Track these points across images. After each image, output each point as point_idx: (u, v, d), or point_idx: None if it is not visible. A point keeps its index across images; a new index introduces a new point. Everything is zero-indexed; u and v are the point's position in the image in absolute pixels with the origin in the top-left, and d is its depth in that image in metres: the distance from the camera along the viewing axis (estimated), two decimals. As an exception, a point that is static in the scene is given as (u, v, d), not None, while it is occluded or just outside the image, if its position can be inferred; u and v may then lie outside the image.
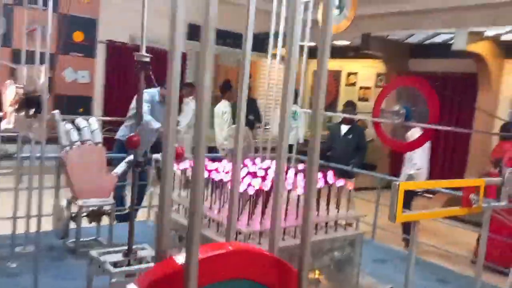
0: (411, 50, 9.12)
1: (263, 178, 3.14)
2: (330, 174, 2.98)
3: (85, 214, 3.57)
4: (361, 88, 10.46)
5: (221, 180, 2.98)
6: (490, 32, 7.18)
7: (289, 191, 2.94)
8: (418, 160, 5.20)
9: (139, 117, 2.78)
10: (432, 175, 5.77)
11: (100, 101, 8.50)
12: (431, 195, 7.50)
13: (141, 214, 4.84)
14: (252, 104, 9.00)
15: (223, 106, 6.80)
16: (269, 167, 3.52)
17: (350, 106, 5.91)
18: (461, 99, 7.87)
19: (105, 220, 3.73)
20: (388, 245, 4.66)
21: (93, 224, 3.70)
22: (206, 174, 3.03)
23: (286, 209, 2.82)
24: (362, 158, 5.65)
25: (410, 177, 5.22)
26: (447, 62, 8.42)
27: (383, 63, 9.28)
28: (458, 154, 8.34)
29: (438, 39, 8.43)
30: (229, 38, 9.81)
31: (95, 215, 3.60)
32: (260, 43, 11.06)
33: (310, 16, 4.52)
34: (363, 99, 10.31)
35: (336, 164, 5.43)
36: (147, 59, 2.40)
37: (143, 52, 2.41)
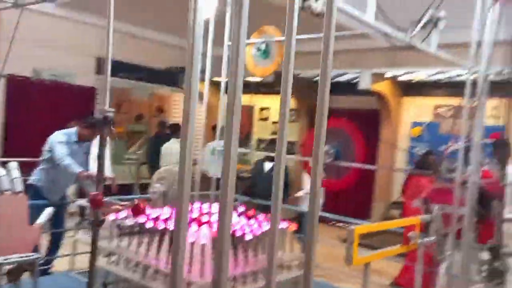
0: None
1: (209, 224, 3.10)
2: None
3: (4, 272, 3.20)
4: (274, 122, 10.83)
5: (165, 229, 2.89)
6: (390, 73, 7.93)
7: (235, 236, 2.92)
8: (307, 185, 5.57)
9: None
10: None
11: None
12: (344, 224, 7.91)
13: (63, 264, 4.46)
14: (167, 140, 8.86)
15: None
16: (208, 211, 3.49)
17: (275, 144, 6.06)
18: (368, 134, 8.50)
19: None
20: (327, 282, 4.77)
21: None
22: (151, 224, 2.92)
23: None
24: (287, 194, 5.81)
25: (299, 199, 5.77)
26: (353, 99, 9.08)
27: (294, 99, 9.74)
28: (365, 184, 8.94)
29: (344, 78, 9.10)
30: (141, 72, 9.64)
31: (16, 272, 3.24)
32: (174, 77, 11.01)
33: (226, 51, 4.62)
34: (275, 133, 10.65)
35: (260, 200, 5.54)
36: (111, 114, 2.27)
37: (107, 106, 2.28)
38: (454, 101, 7.96)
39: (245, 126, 10.87)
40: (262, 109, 11.09)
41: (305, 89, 9.49)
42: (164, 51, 9.90)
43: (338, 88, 9.34)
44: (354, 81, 8.87)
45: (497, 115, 7.54)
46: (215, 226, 2.93)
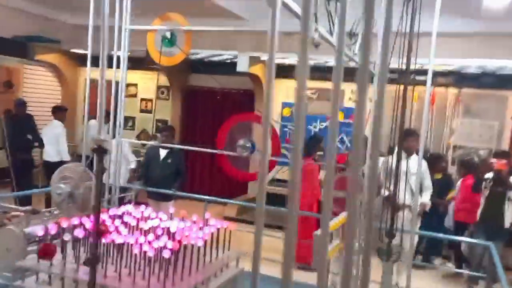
0: (192, 66, 9.62)
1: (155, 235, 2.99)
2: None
3: None
4: (142, 100, 10.43)
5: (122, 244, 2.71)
6: (264, 57, 8.29)
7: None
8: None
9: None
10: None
11: None
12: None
13: None
14: (28, 121, 7.93)
15: None
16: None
17: (168, 131, 5.91)
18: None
19: None
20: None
21: None
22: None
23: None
24: (183, 182, 5.79)
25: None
26: (225, 78, 9.25)
27: (167, 76, 9.52)
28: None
29: (216, 58, 9.19)
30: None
31: None
32: (22, 48, 9.81)
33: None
34: (146, 111, 10.36)
35: (154, 188, 5.46)
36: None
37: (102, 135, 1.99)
38: (319, 84, 8.76)
39: (108, 104, 10.24)
40: (128, 85, 10.55)
41: (178, 68, 9.35)
42: (9, 18, 8.73)
43: (210, 67, 9.45)
44: (226, 61, 9.06)
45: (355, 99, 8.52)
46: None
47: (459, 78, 7.53)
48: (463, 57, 7.29)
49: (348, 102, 8.54)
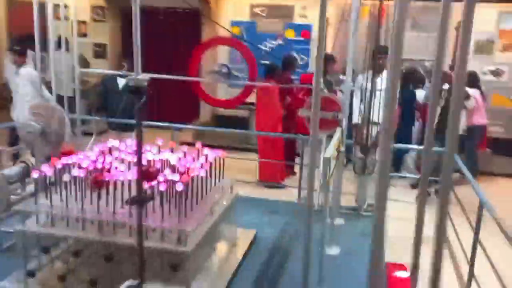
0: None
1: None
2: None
3: None
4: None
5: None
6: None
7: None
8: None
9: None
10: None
11: None
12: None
13: None
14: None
15: None
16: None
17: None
18: (188, 33, 8.42)
19: None
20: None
21: None
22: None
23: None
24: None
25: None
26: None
27: (102, -4, 8.76)
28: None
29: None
30: None
31: None
32: None
33: None
34: (79, 34, 9.54)
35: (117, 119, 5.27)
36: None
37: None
38: (268, 1, 8.50)
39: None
40: (56, 5, 9.57)
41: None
42: None
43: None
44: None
45: (304, 15, 8.41)
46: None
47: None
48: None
49: (298, 19, 8.42)
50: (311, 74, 5.26)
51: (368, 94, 4.16)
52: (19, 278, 2.72)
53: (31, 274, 2.71)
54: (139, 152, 1.87)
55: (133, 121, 5.17)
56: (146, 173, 2.24)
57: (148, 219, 2.54)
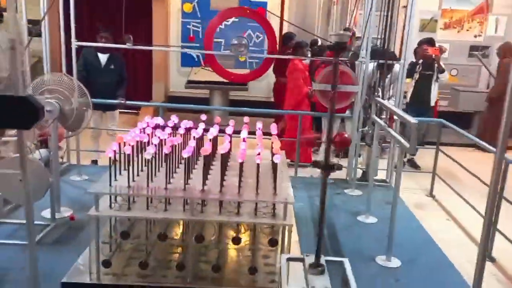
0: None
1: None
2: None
3: None
4: (2, -5, 8.52)
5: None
6: None
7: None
8: None
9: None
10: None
11: None
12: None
13: None
14: None
15: None
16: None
17: (108, 31, 4.98)
18: (138, 12, 7.95)
19: None
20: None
21: None
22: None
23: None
24: (123, 90, 5.16)
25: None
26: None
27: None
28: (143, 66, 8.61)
29: None
30: None
31: None
32: None
33: None
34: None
35: (99, 98, 4.87)
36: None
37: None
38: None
39: None
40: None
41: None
42: None
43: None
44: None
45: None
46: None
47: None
48: None
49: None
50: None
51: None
52: (92, 269, 2.46)
53: (107, 263, 2.46)
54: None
55: (115, 101, 4.86)
56: (343, 141, 2.13)
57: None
